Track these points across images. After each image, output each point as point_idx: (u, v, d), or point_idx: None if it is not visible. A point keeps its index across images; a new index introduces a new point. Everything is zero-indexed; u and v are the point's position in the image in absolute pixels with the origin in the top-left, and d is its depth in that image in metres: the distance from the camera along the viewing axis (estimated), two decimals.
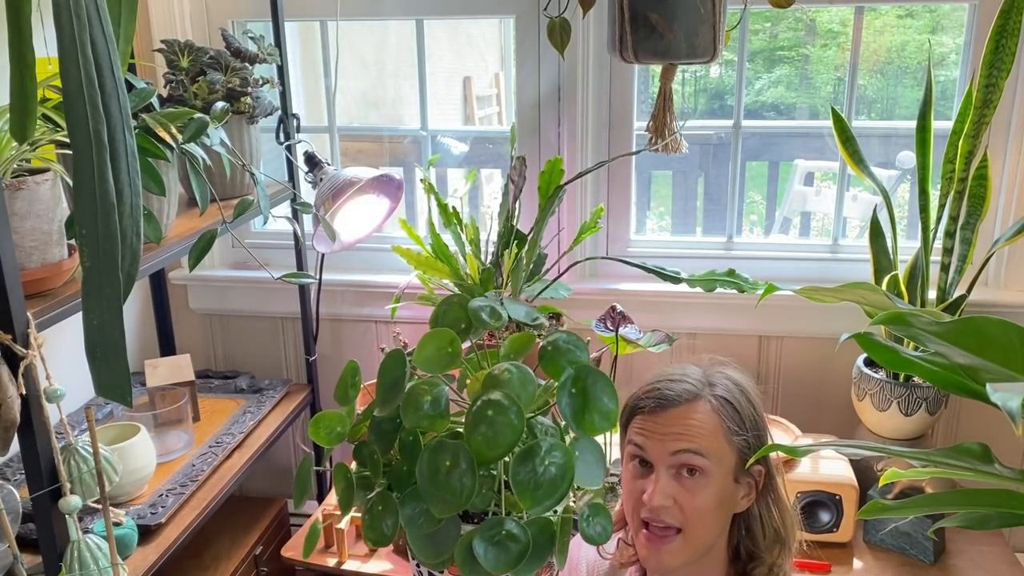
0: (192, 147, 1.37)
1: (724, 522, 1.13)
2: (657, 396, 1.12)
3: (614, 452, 1.13)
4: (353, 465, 0.97)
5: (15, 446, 1.10)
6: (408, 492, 0.88)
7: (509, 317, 0.95)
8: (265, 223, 1.57)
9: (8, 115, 0.77)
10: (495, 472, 0.90)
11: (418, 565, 0.96)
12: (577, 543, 1.33)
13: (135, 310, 2.21)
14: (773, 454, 1.16)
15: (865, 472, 1.78)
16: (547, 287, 1.80)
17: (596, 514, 0.91)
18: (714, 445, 1.09)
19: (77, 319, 0.83)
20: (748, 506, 1.14)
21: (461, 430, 0.89)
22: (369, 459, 0.92)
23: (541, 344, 0.93)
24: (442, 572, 0.92)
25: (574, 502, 0.94)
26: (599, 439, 0.94)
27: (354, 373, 1.01)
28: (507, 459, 0.86)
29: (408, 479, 0.90)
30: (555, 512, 0.90)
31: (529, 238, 1.69)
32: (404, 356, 0.91)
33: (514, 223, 1.74)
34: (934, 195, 1.78)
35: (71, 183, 1.14)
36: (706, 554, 1.13)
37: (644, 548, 1.11)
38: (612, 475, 1.64)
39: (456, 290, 1.76)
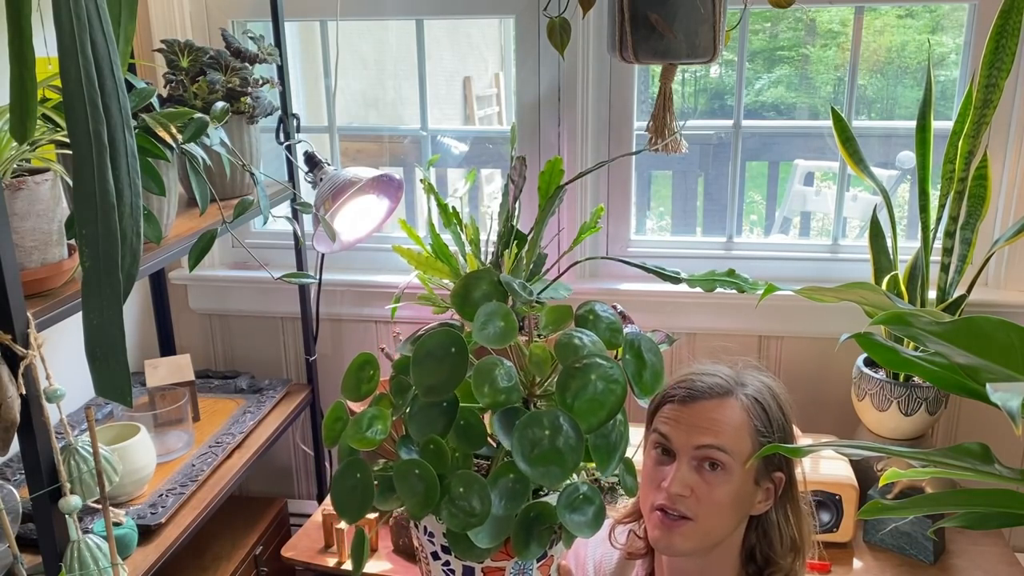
0: (192, 147, 1.37)
1: (738, 520, 1.13)
2: (688, 387, 1.13)
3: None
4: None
5: (15, 446, 1.10)
6: (497, 472, 0.85)
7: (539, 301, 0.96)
8: (265, 223, 1.57)
9: (8, 115, 0.77)
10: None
11: (447, 564, 0.93)
12: (584, 543, 1.33)
13: (135, 310, 2.21)
14: (796, 466, 1.17)
15: (865, 472, 1.78)
16: (547, 287, 1.80)
17: (628, 469, 0.95)
18: (738, 443, 1.10)
19: (77, 319, 0.83)
20: (765, 510, 1.14)
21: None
22: (433, 453, 0.85)
23: (579, 312, 0.93)
24: (482, 562, 0.91)
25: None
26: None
27: (363, 367, 0.95)
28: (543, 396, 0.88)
29: (466, 466, 0.88)
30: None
31: (529, 238, 1.69)
32: (460, 333, 0.86)
33: (514, 223, 1.74)
34: (934, 195, 1.78)
35: (71, 183, 1.14)
36: (717, 549, 1.13)
37: (656, 529, 1.11)
38: (614, 474, 1.64)
39: None
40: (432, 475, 0.84)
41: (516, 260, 1.67)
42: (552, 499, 0.89)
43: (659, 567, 1.21)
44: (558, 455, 0.82)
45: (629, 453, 0.96)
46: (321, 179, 1.86)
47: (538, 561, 0.93)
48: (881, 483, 1.02)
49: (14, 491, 1.43)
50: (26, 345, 1.09)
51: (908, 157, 3.23)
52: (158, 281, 2.19)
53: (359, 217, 1.89)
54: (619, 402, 0.85)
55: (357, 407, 0.99)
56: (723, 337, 2.06)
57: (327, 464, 2.28)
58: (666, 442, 1.12)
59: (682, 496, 1.08)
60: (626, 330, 1.43)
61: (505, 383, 0.84)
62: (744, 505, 1.12)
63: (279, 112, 1.95)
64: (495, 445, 0.90)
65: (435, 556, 0.94)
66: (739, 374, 1.16)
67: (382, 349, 1.57)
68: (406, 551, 1.75)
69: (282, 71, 1.93)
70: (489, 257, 1.78)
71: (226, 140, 1.49)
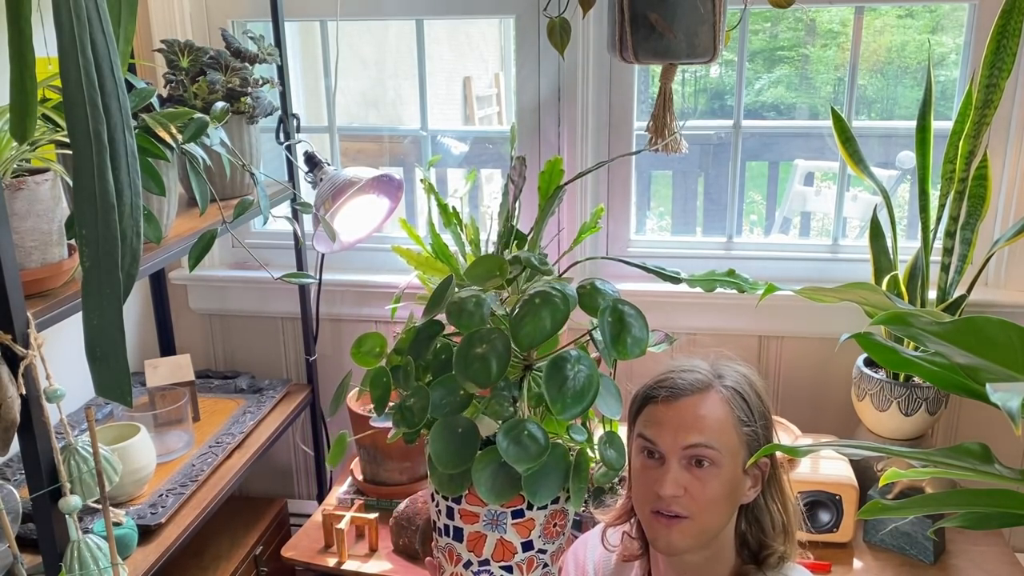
0: (192, 147, 1.37)
1: (732, 511, 1.15)
2: (668, 386, 1.13)
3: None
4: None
5: (15, 446, 1.10)
6: (440, 379, 0.92)
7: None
8: (265, 223, 1.57)
9: (8, 115, 0.77)
10: (519, 392, 0.92)
11: (437, 504, 0.97)
12: (584, 543, 1.34)
13: (135, 310, 2.21)
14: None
15: (865, 472, 1.78)
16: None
17: (611, 441, 0.96)
18: (724, 437, 1.11)
19: (77, 319, 0.83)
20: (754, 497, 1.15)
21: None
22: (403, 371, 0.95)
23: (579, 285, 0.96)
24: (459, 501, 0.94)
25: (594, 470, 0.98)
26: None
27: (374, 340, 1.03)
28: (540, 370, 0.91)
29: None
30: (571, 450, 0.92)
31: (529, 238, 1.69)
32: (452, 277, 0.95)
33: (514, 223, 1.74)
34: (934, 195, 1.78)
35: (71, 183, 1.14)
36: (713, 542, 1.14)
37: (653, 531, 1.12)
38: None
39: None
40: (388, 383, 0.96)
41: None
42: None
43: (655, 566, 1.22)
44: (485, 365, 0.87)
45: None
46: (321, 179, 1.86)
47: (514, 517, 0.94)
48: (881, 483, 1.02)
49: (14, 491, 1.43)
50: (26, 345, 1.09)
51: (908, 157, 3.23)
52: (158, 281, 2.19)
53: (359, 217, 1.89)
54: (555, 327, 0.88)
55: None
56: (723, 337, 2.06)
57: (327, 464, 2.27)
58: (652, 446, 1.12)
59: (676, 496, 1.09)
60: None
61: (473, 309, 0.90)
62: (736, 495, 1.13)
63: (279, 112, 1.95)
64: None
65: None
66: (716, 366, 1.17)
67: None
68: (406, 551, 1.75)
69: (282, 71, 1.93)
70: None
71: (226, 140, 1.49)
